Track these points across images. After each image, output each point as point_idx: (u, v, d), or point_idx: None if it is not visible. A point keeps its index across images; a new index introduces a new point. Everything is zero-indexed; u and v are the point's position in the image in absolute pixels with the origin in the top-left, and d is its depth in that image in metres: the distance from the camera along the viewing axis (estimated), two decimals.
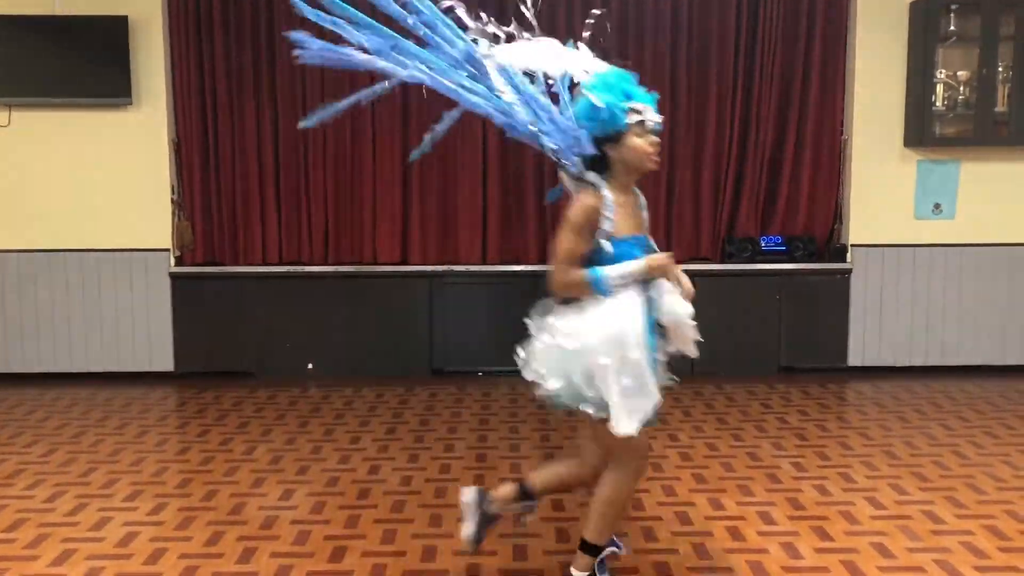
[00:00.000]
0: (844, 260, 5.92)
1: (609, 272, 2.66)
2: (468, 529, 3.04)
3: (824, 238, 6.07)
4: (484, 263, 6.00)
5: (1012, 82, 5.60)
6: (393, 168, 5.94)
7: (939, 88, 5.72)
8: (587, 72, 2.70)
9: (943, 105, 5.74)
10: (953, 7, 5.62)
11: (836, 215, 6.04)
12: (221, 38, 5.79)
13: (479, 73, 2.71)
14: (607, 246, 2.68)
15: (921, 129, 5.68)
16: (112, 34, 5.57)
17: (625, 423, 2.62)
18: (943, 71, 5.72)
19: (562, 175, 2.82)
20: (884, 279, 5.94)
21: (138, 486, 3.99)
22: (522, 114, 2.68)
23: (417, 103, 5.89)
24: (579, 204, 2.69)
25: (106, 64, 5.60)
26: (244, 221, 5.96)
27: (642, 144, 2.67)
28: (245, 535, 3.45)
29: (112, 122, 5.73)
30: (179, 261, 5.92)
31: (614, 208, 2.68)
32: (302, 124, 2.90)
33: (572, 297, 2.74)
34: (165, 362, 5.90)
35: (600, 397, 2.66)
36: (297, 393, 5.57)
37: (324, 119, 2.75)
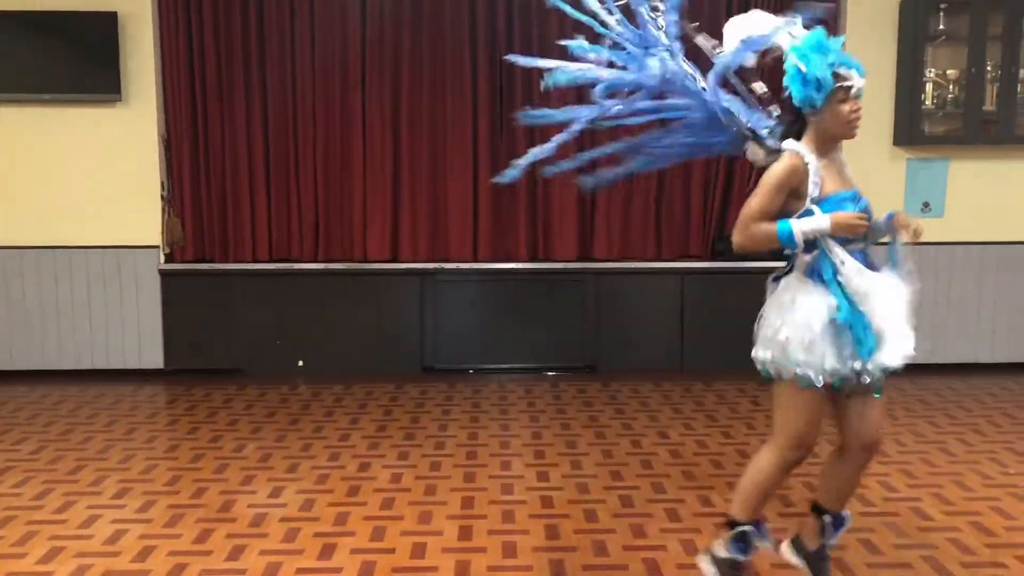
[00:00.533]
0: None
1: (796, 225, 2.59)
2: None
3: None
4: (475, 260, 6.00)
5: (1000, 81, 5.63)
6: (383, 165, 5.93)
7: (928, 87, 5.74)
8: (794, 37, 2.68)
9: (932, 104, 5.77)
10: (942, 6, 5.63)
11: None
12: (211, 34, 5.77)
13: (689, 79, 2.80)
14: (816, 210, 2.60)
15: (910, 128, 5.70)
16: (101, 30, 5.55)
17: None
18: (932, 70, 5.75)
19: (753, 148, 2.82)
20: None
21: (127, 484, 3.98)
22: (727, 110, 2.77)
23: (408, 98, 5.89)
24: (781, 163, 2.62)
25: (95, 60, 5.58)
26: (234, 218, 5.94)
27: (844, 111, 2.60)
28: (234, 532, 3.45)
29: (101, 118, 5.71)
30: (169, 258, 5.90)
31: (819, 171, 2.61)
32: (500, 179, 3.06)
33: (752, 252, 2.72)
34: (155, 359, 5.88)
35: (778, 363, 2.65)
36: (287, 390, 5.56)
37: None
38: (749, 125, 2.77)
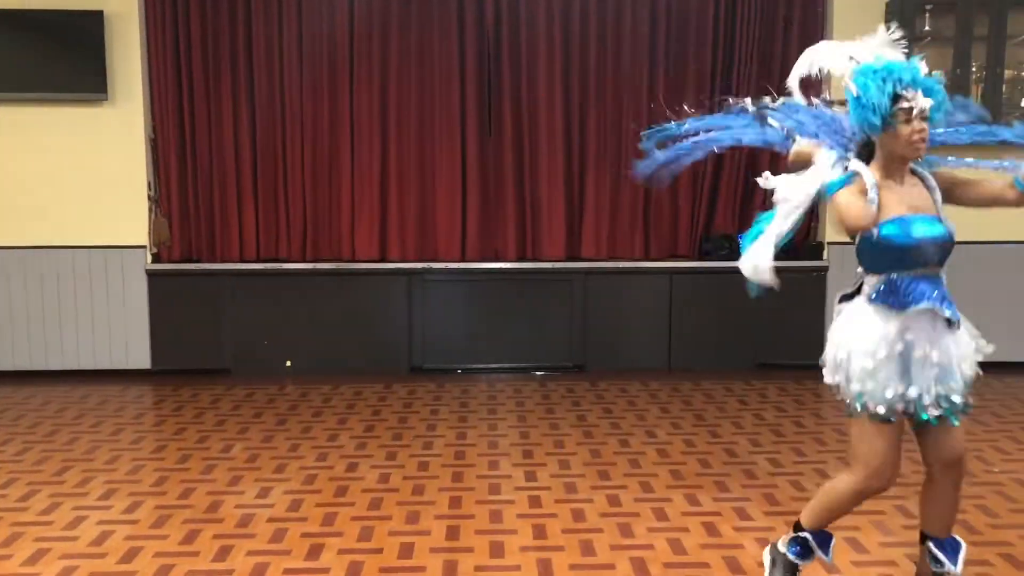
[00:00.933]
0: (821, 258, 5.97)
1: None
2: None
3: (801, 236, 6.11)
4: (463, 260, 6.00)
5: (985, 82, 5.66)
6: (371, 164, 5.92)
7: None
8: (854, 61, 2.68)
9: None
10: (928, 7, 5.67)
11: (813, 213, 6.09)
12: (198, 33, 5.75)
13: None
14: (874, 232, 2.57)
15: None
16: (87, 28, 5.52)
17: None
18: None
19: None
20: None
21: (113, 484, 3.96)
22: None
23: (396, 97, 5.88)
24: (849, 187, 2.59)
25: (81, 59, 5.55)
26: (222, 218, 5.93)
27: (905, 132, 2.55)
28: (221, 533, 3.44)
29: (87, 117, 5.68)
30: (156, 258, 5.87)
31: (878, 190, 2.58)
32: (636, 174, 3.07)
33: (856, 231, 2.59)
34: (142, 359, 5.86)
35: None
36: (275, 390, 5.55)
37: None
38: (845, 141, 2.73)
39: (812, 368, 6.33)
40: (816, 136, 2.75)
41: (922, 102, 2.55)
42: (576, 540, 3.36)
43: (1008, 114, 5.74)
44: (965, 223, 6.15)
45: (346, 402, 5.29)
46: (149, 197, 5.80)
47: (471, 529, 3.47)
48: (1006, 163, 2.76)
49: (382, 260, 6.01)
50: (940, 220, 2.64)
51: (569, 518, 3.57)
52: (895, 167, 2.64)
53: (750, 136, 2.90)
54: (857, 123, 2.61)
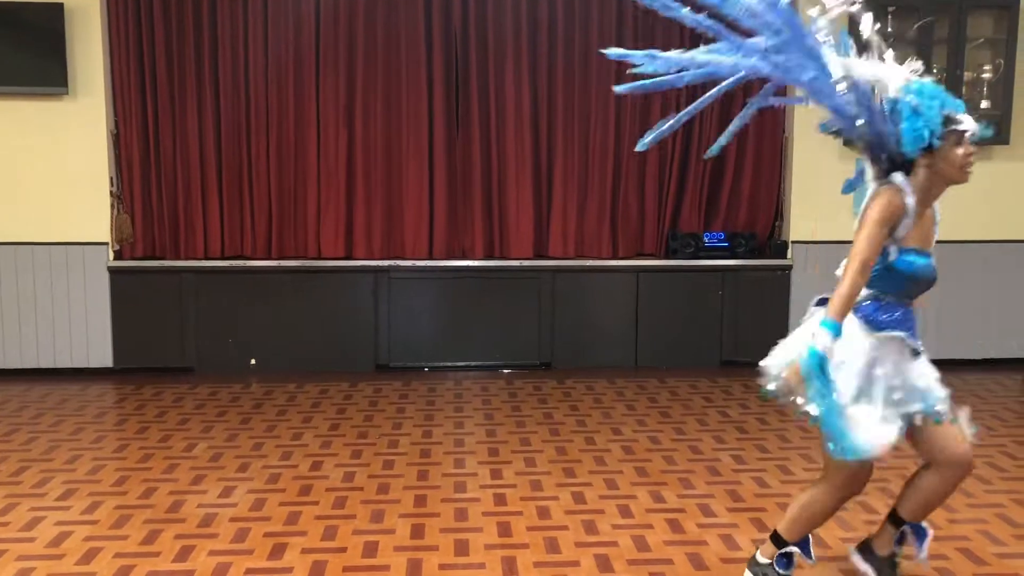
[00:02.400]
0: (785, 256, 6.02)
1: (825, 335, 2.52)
2: None
3: (765, 234, 6.17)
4: (430, 258, 5.98)
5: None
6: (338, 161, 5.89)
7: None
8: (906, 80, 2.62)
9: None
10: (890, 9, 5.74)
11: (777, 212, 6.15)
12: (162, 26, 5.68)
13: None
14: (893, 252, 2.61)
15: None
16: (47, 21, 5.43)
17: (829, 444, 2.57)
18: None
19: (868, 167, 2.72)
20: (824, 275, 6.04)
21: (72, 485, 3.90)
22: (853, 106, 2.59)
23: (363, 94, 5.85)
24: (884, 200, 2.56)
25: (41, 52, 5.46)
26: (185, 214, 5.86)
27: (959, 154, 2.56)
28: (183, 533, 3.40)
29: (48, 112, 5.59)
30: (118, 255, 5.79)
31: (913, 216, 2.59)
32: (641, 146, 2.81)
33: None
34: (104, 358, 5.77)
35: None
36: (239, 389, 5.49)
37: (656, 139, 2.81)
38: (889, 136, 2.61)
39: None
40: (878, 133, 2.60)
41: (973, 125, 2.58)
42: (541, 537, 3.37)
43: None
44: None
45: (311, 400, 5.26)
46: (111, 193, 5.72)
47: (436, 527, 3.46)
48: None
49: (348, 258, 5.97)
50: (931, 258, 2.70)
51: (534, 515, 3.58)
52: (935, 192, 2.65)
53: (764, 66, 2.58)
54: (908, 135, 2.55)
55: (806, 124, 5.96)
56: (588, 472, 4.08)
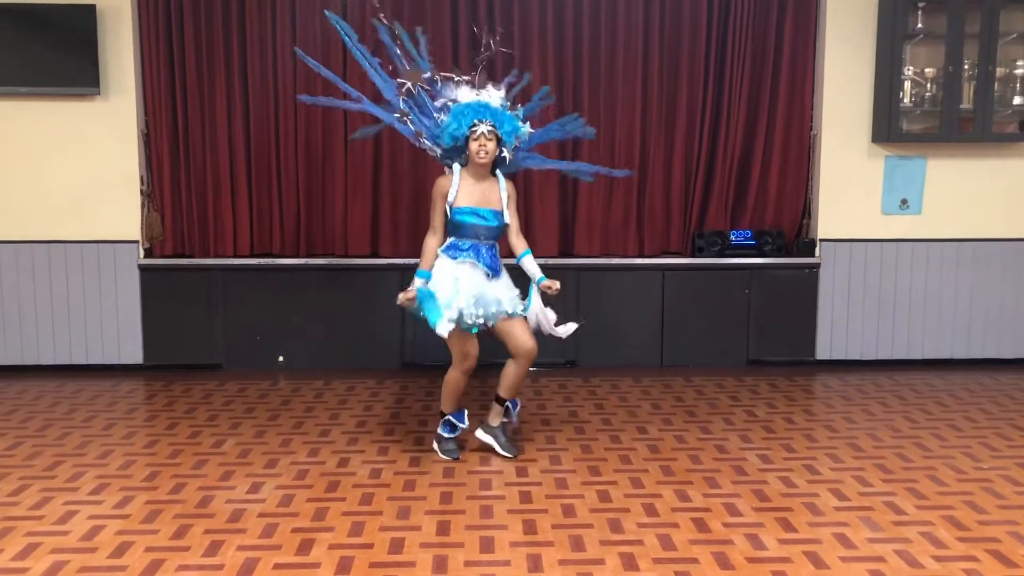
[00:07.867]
0: (813, 255, 5.98)
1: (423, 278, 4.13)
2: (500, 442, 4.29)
3: (793, 233, 6.13)
4: None
5: (977, 79, 5.68)
6: (365, 160, 5.92)
7: (907, 85, 5.78)
8: (458, 101, 4.14)
9: (910, 102, 5.81)
10: (920, 4, 5.68)
11: (805, 210, 6.11)
12: (191, 27, 5.74)
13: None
14: (448, 212, 4.09)
15: (888, 125, 5.74)
16: (80, 22, 5.51)
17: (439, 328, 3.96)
18: (910, 68, 5.79)
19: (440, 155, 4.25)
20: (852, 273, 6.01)
21: (104, 479, 3.96)
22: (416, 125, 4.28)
23: None
24: (437, 181, 4.12)
25: (74, 53, 5.54)
26: (214, 213, 5.92)
27: (474, 147, 4.01)
28: (212, 528, 3.45)
29: (80, 112, 5.67)
30: (148, 253, 5.87)
31: (460, 185, 4.07)
32: (354, 136, 4.95)
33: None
34: (134, 355, 5.85)
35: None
36: (267, 386, 5.55)
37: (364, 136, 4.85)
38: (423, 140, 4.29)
39: (803, 364, 6.41)
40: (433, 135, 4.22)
41: (483, 127, 3.98)
42: (566, 535, 3.38)
43: (1000, 111, 5.77)
44: (953, 221, 6.15)
45: (338, 397, 5.30)
46: (142, 191, 5.80)
47: (462, 525, 3.48)
48: (582, 166, 4.85)
49: (374, 256, 6.01)
50: (498, 213, 4.11)
51: (559, 513, 3.58)
52: (473, 169, 4.09)
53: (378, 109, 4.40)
54: (451, 137, 4.07)
55: (833, 121, 5.92)
56: (613, 471, 4.08)
